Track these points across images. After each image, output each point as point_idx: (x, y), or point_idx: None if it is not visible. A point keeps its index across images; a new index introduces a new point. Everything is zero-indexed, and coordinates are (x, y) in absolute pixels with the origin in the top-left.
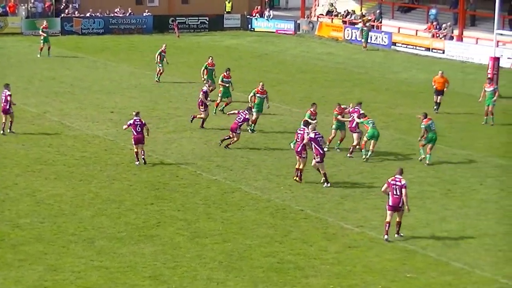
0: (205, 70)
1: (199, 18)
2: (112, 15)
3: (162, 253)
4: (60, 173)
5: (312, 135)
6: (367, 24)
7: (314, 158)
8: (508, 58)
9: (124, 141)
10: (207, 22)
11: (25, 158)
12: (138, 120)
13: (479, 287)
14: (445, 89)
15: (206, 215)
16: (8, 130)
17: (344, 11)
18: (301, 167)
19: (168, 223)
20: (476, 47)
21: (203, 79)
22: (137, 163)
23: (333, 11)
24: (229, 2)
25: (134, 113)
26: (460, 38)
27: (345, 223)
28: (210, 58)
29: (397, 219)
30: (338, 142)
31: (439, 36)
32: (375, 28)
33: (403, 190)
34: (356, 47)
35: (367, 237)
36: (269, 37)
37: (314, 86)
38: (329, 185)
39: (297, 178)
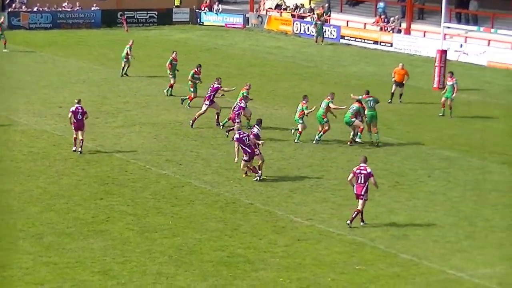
0: (170, 64)
1: (148, 12)
2: (60, 9)
3: (112, 248)
4: (7, 169)
5: (237, 135)
6: (321, 19)
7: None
8: (455, 51)
9: (72, 136)
10: (156, 16)
11: None
12: (80, 107)
13: (427, 278)
14: (404, 81)
15: (155, 209)
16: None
17: (293, 5)
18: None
19: (118, 218)
20: (424, 40)
21: (169, 73)
22: (73, 148)
23: (282, 5)
24: None
25: (76, 101)
26: (408, 31)
27: (294, 216)
28: (174, 52)
29: (359, 207)
30: (320, 133)
31: (387, 29)
32: (328, 23)
33: (371, 178)
34: (305, 40)
35: (316, 230)
36: (218, 31)
37: (264, 79)
38: (259, 178)
39: (244, 175)
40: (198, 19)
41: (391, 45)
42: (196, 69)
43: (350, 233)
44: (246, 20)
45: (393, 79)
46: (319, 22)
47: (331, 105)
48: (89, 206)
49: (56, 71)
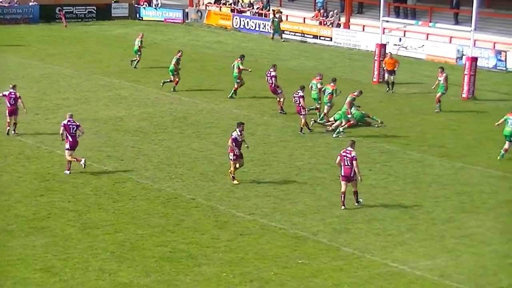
0: (176, 63)
1: (87, 7)
2: None
3: (53, 245)
4: None
5: (65, 121)
6: (277, 15)
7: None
8: (394, 45)
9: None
10: (95, 11)
11: None
12: (13, 93)
13: (370, 271)
14: (395, 68)
15: (97, 205)
16: (13, 132)
17: (233, 0)
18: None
19: (59, 215)
20: (363, 34)
21: (174, 72)
22: (7, 132)
23: (221, 0)
24: None
25: (10, 86)
26: (347, 25)
27: (236, 211)
28: (180, 52)
29: (353, 189)
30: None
31: (326, 23)
32: (282, 19)
33: (354, 162)
34: (244, 35)
35: (258, 225)
36: (158, 26)
37: (204, 75)
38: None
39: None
40: (137, 14)
41: (331, 39)
42: (179, 55)
43: (293, 227)
44: (186, 15)
45: (384, 69)
46: (276, 19)
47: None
48: (30, 202)
49: None
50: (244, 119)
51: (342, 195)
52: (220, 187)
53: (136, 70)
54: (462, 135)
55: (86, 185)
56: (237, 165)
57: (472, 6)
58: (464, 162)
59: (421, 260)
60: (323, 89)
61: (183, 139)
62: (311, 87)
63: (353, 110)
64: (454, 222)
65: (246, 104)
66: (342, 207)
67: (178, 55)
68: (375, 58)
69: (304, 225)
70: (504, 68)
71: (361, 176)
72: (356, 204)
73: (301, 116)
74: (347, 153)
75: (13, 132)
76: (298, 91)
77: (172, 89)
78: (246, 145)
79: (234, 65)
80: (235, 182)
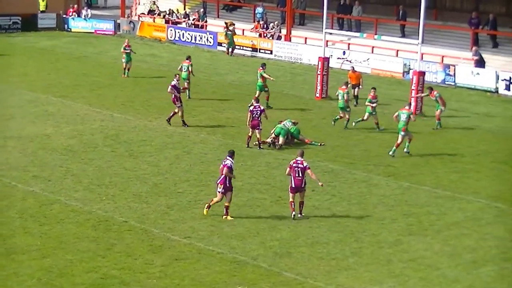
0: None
1: (11, 17)
2: None
3: None
4: None
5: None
6: (230, 28)
7: None
8: (338, 58)
9: None
10: (20, 22)
11: None
12: None
13: None
14: (360, 82)
15: (22, 229)
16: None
17: (168, 11)
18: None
19: None
20: (305, 47)
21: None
22: None
23: (155, 10)
24: (43, 1)
25: None
26: (289, 38)
27: (171, 234)
28: (188, 58)
29: (300, 199)
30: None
31: (266, 35)
32: (236, 33)
33: (308, 171)
34: (180, 47)
35: (195, 249)
36: (88, 38)
37: (137, 89)
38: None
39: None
40: (66, 25)
41: (271, 52)
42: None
43: (231, 251)
44: (117, 26)
45: (349, 84)
46: (229, 32)
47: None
48: None
49: None
50: (179, 137)
51: (292, 204)
52: (154, 209)
53: (64, 85)
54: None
55: (10, 207)
56: (225, 199)
57: (419, 18)
58: (411, 181)
59: (367, 285)
60: (336, 93)
61: (115, 158)
62: (338, 95)
63: (289, 124)
64: (401, 245)
65: (181, 120)
66: (293, 213)
67: (189, 62)
68: (318, 72)
69: (243, 249)
70: (453, 83)
71: (320, 182)
72: (299, 215)
73: (257, 131)
74: (298, 163)
75: None
76: (256, 105)
77: (187, 97)
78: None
79: (258, 75)
80: (206, 211)
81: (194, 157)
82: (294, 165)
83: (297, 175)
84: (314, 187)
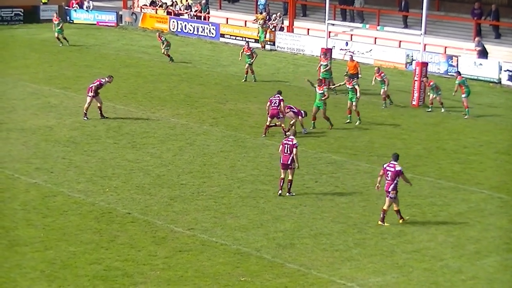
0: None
1: (13, 9)
2: None
3: None
4: None
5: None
6: (261, 21)
7: None
8: (340, 49)
9: None
10: (22, 14)
11: None
12: None
13: None
14: (358, 71)
15: (25, 221)
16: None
17: (170, 1)
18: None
19: None
20: (308, 38)
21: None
22: None
23: (157, 2)
24: None
25: None
26: (291, 29)
27: (175, 226)
28: (246, 43)
29: (289, 177)
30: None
31: (269, 27)
32: (275, 26)
33: (294, 149)
34: (182, 39)
35: (198, 240)
36: (90, 30)
37: (139, 81)
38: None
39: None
40: (68, 17)
41: (274, 44)
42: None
43: (234, 242)
44: (119, 18)
45: (346, 74)
46: (261, 26)
47: None
48: None
49: None
50: (182, 128)
51: (281, 181)
52: (157, 201)
53: (67, 77)
54: (411, 144)
55: (13, 199)
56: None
57: (422, 9)
58: (414, 172)
59: (370, 276)
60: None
61: (117, 150)
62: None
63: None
64: (405, 236)
65: (184, 112)
66: (279, 191)
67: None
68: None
69: (247, 241)
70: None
71: (299, 164)
72: (287, 194)
73: (278, 120)
74: (288, 140)
75: None
76: (276, 95)
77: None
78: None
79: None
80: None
81: (197, 149)
82: (285, 141)
83: (285, 151)
84: (317, 178)
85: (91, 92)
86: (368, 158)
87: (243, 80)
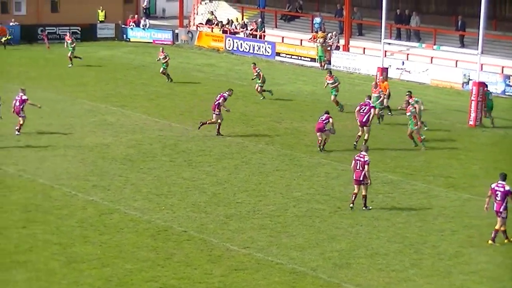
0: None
1: (70, 27)
2: None
3: (36, 280)
4: None
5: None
6: (320, 40)
7: None
8: (396, 68)
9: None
10: (79, 32)
11: None
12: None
13: None
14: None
15: (82, 238)
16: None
17: (225, 20)
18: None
19: (42, 248)
20: (364, 57)
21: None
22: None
23: (213, 20)
24: (102, 11)
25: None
26: (347, 48)
27: (230, 245)
28: (329, 72)
29: (363, 193)
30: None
31: (324, 46)
32: (331, 45)
33: (366, 166)
34: (238, 57)
35: (254, 259)
36: (146, 48)
37: (195, 99)
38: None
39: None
40: (125, 35)
41: (329, 63)
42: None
43: (290, 262)
44: (175, 36)
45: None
46: (324, 44)
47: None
48: (11, 235)
49: None
50: (237, 147)
51: (353, 195)
52: (213, 219)
53: (123, 95)
54: (468, 164)
55: (71, 216)
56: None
57: (478, 28)
58: (471, 193)
59: None
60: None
61: (173, 168)
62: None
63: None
64: (462, 257)
65: (239, 130)
66: (351, 205)
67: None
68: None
69: (302, 260)
70: None
71: (371, 180)
72: (363, 208)
73: (366, 128)
74: (360, 157)
75: (16, 132)
76: (367, 101)
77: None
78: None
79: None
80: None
81: (253, 167)
82: (357, 158)
83: (357, 167)
84: (373, 198)
85: (217, 109)
86: (424, 178)
87: (339, 110)
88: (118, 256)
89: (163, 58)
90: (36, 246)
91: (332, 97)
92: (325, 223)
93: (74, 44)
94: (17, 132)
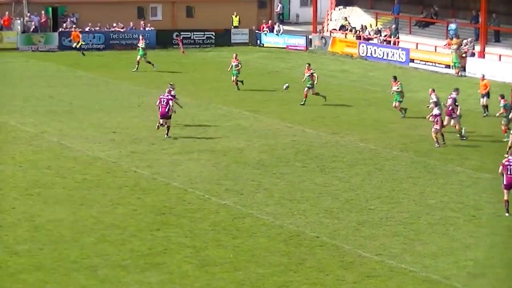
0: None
1: (205, 32)
2: (113, 29)
3: (169, 282)
4: (59, 197)
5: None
6: (454, 47)
7: None
8: None
9: (127, 163)
10: (214, 37)
11: (23, 181)
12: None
13: None
14: (488, 91)
15: (215, 241)
16: (165, 136)
17: (360, 26)
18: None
19: (175, 250)
20: (500, 64)
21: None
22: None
23: (346, 26)
24: (236, 16)
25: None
26: (482, 54)
27: (363, 251)
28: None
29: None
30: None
31: (459, 52)
32: (466, 51)
33: None
34: (371, 63)
35: (386, 266)
36: (279, 53)
37: (328, 105)
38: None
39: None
40: (258, 41)
41: (464, 69)
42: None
43: (423, 270)
44: (309, 42)
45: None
46: (458, 51)
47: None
48: (145, 237)
49: (109, 94)
50: (370, 153)
51: (506, 203)
52: (345, 225)
53: (256, 100)
54: None
55: (204, 220)
56: None
57: None
58: None
59: None
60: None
61: (306, 173)
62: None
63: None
64: None
65: (373, 137)
66: (506, 214)
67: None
68: None
69: (436, 268)
70: None
71: None
72: (506, 214)
73: (453, 120)
74: (510, 162)
75: (165, 136)
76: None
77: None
78: None
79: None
80: None
81: (386, 174)
82: (506, 163)
83: (509, 173)
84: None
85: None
86: None
87: (402, 117)
88: (251, 260)
89: (235, 65)
90: (169, 248)
91: (397, 103)
92: (459, 231)
93: (146, 49)
94: (166, 136)
